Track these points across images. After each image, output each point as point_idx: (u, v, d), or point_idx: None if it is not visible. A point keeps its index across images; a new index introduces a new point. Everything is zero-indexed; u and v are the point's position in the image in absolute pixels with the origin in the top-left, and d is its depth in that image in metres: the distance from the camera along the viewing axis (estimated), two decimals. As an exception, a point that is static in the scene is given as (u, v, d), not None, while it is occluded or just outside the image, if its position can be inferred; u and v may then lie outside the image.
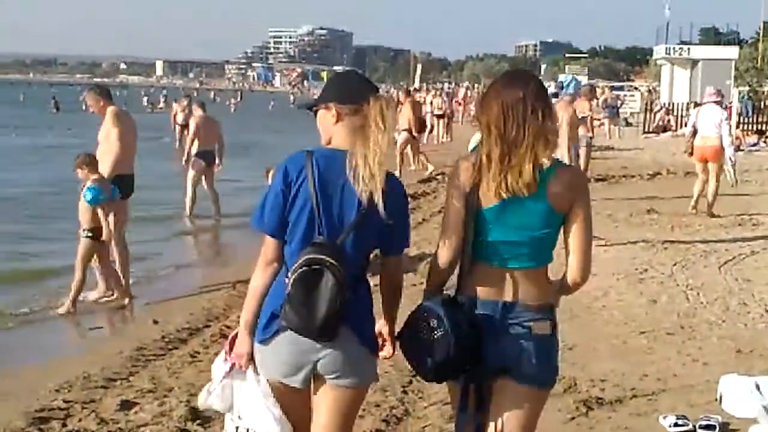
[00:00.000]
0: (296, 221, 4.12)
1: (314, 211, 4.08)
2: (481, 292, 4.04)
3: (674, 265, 12.10)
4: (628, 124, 44.23)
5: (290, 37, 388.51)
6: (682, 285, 11.03)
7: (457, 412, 4.21)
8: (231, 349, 4.37)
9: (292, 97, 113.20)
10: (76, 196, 11.25)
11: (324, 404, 4.25)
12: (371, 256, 4.30)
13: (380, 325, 4.33)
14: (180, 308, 11.00)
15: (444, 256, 4.12)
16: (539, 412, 4.20)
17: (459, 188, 4.06)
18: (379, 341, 4.33)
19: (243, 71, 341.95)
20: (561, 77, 19.11)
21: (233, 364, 4.33)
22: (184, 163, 19.26)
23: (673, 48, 51.40)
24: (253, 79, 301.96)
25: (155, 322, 10.20)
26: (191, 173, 18.57)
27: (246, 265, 13.50)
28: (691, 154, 16.78)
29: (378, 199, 4.05)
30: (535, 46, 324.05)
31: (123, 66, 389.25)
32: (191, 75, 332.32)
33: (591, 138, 19.35)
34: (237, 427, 4.36)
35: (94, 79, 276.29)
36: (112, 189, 11.04)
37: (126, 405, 7.23)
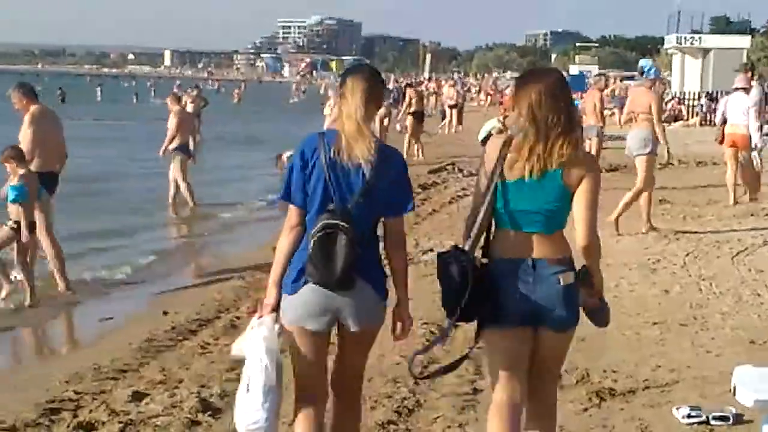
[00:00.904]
0: (313, 192, 4.86)
1: (327, 183, 4.82)
2: (508, 251, 4.78)
3: (687, 255, 12.04)
4: (639, 114, 44.06)
5: (299, 27, 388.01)
6: (694, 275, 10.97)
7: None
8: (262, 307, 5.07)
9: (293, 87, 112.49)
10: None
11: (346, 344, 5.08)
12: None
13: (395, 310, 5.05)
14: (190, 299, 11.02)
15: (471, 220, 4.83)
16: (567, 348, 5.04)
17: (487, 163, 4.80)
18: (397, 325, 5.08)
19: (252, 61, 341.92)
20: (642, 62, 18.87)
21: (260, 315, 5.03)
22: (161, 154, 19.07)
23: (684, 37, 51.16)
24: (262, 69, 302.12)
25: (165, 313, 10.20)
26: (178, 171, 18.65)
27: (253, 254, 13.61)
28: (722, 141, 16.65)
29: (370, 168, 4.80)
30: (545, 35, 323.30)
31: (131, 56, 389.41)
32: (200, 65, 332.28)
33: (602, 128, 19.31)
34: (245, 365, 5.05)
35: (103, 70, 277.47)
36: (38, 188, 11.04)
37: (137, 396, 7.20)
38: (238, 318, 9.66)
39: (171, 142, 18.72)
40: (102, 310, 11.13)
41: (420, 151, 26.38)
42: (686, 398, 6.87)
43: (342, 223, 4.72)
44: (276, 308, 4.98)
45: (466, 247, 4.79)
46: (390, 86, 45.65)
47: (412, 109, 26.66)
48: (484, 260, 4.85)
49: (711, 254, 12.15)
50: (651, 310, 9.46)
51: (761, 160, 16.93)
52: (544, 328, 4.81)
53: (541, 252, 4.74)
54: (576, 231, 4.76)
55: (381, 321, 5.03)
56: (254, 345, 4.95)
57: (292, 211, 4.94)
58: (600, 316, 5.09)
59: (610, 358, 7.86)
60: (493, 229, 4.88)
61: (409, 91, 28.08)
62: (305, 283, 4.84)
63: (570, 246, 4.85)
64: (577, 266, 4.86)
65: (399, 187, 4.94)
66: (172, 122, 18.85)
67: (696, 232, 13.59)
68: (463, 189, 18.61)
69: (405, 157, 5.70)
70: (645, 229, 13.48)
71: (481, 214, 4.77)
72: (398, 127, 28.44)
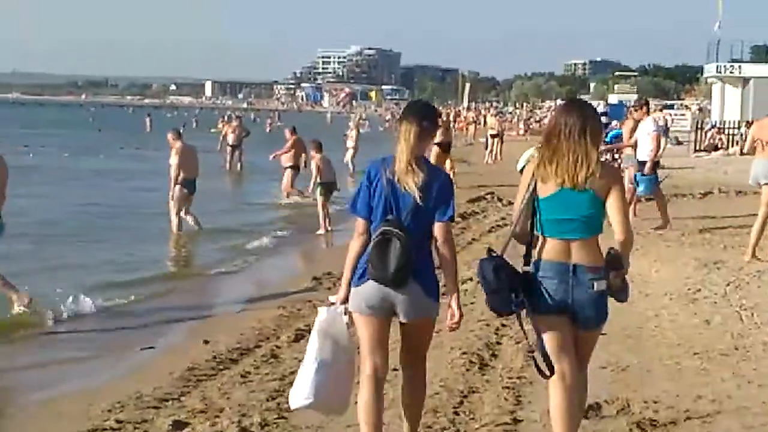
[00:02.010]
0: (376, 206, 5.96)
1: (387, 199, 5.91)
2: (549, 256, 5.68)
3: (727, 285, 11.96)
4: (679, 143, 43.90)
5: (339, 58, 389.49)
6: (735, 305, 10.90)
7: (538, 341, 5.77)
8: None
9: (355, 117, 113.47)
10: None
11: (404, 334, 6.12)
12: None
13: (449, 302, 5.97)
14: (230, 328, 11.03)
15: (517, 228, 5.82)
16: (594, 344, 6.01)
17: (524, 183, 5.79)
18: (448, 314, 5.97)
19: (292, 91, 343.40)
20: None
21: (332, 303, 6.18)
22: (171, 197, 19.22)
23: (724, 66, 51.01)
24: (302, 99, 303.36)
25: (206, 342, 10.23)
26: (174, 204, 19.00)
27: (291, 281, 13.68)
28: None
29: (418, 194, 5.85)
30: (584, 64, 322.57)
31: (173, 87, 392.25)
32: (240, 95, 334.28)
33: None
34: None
35: (145, 100, 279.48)
36: None
37: (178, 425, 7.25)
38: (278, 347, 9.70)
39: (176, 180, 19.01)
40: (143, 340, 11.19)
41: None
42: (728, 429, 6.84)
43: (397, 230, 5.80)
44: (345, 300, 6.07)
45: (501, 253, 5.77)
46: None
47: (437, 140, 26.57)
48: (527, 268, 5.75)
49: (752, 284, 12.07)
50: (692, 341, 9.40)
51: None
52: (576, 325, 5.74)
53: (580, 258, 5.65)
54: (615, 231, 5.71)
55: (430, 315, 6.04)
56: (316, 328, 6.12)
57: (359, 222, 6.04)
58: (622, 294, 5.81)
59: (651, 389, 7.82)
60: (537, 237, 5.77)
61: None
62: (367, 279, 5.89)
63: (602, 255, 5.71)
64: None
65: (443, 200, 5.94)
66: (173, 160, 19.10)
67: (737, 262, 13.50)
68: (503, 218, 18.61)
69: None
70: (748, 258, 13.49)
71: (519, 226, 5.80)
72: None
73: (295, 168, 25.73)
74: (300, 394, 6.04)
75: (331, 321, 6.09)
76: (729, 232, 16.44)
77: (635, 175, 17.18)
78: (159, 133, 65.46)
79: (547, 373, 5.70)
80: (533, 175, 5.72)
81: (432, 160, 26.06)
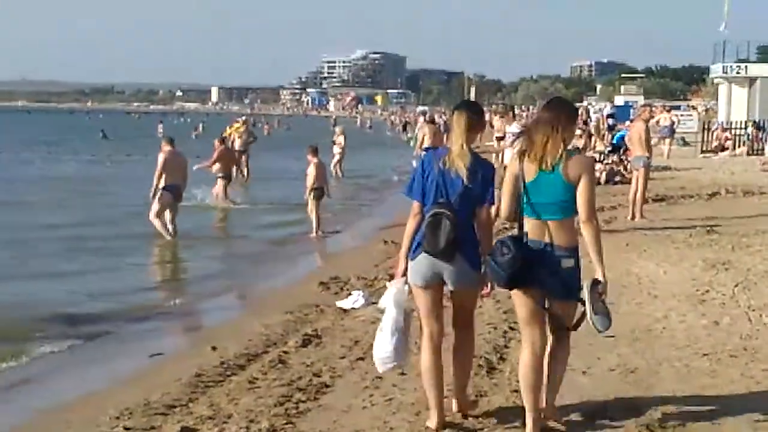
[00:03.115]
0: (429, 190, 6.90)
1: (439, 184, 6.85)
2: (531, 234, 6.50)
3: (735, 286, 11.93)
4: (686, 144, 43.86)
5: (344, 62, 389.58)
6: (744, 306, 10.87)
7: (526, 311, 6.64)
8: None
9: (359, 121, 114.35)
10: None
11: (453, 297, 7.08)
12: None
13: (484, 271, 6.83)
14: (237, 334, 11.00)
15: (503, 211, 6.73)
16: (568, 313, 6.64)
17: (510, 170, 6.69)
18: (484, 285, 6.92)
19: (297, 96, 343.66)
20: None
21: (394, 277, 7.20)
22: (151, 196, 19.41)
23: (731, 66, 50.91)
24: (307, 104, 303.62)
25: (213, 348, 10.19)
26: (156, 206, 19.09)
27: (298, 288, 13.68)
28: None
29: (467, 175, 6.77)
30: (590, 66, 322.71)
31: (179, 93, 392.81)
32: (246, 101, 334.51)
33: (648, 158, 19.22)
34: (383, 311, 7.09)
35: (151, 107, 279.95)
36: None
37: (186, 432, 7.25)
38: (286, 353, 9.67)
39: (158, 181, 19.17)
40: (151, 346, 11.20)
41: None
42: (737, 431, 6.80)
43: (446, 212, 6.70)
44: (404, 273, 6.98)
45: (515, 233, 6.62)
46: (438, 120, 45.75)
47: (426, 145, 26.74)
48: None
49: (760, 285, 12.04)
50: (700, 342, 9.38)
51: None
52: (551, 297, 6.57)
53: (552, 237, 6.45)
54: (579, 213, 6.42)
55: (474, 284, 6.92)
56: (388, 299, 7.02)
57: (415, 204, 6.96)
58: (604, 320, 6.48)
59: (660, 391, 7.80)
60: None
61: (425, 127, 27.99)
62: (420, 253, 6.82)
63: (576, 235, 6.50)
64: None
65: (484, 186, 6.85)
66: (159, 162, 19.34)
67: (745, 263, 13.47)
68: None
69: None
70: None
71: (506, 209, 6.69)
72: (413, 163, 28.39)
73: (227, 178, 26.22)
74: (385, 361, 7.06)
75: (399, 292, 6.99)
76: (736, 233, 16.39)
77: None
78: (178, 139, 65.81)
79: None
80: (519, 162, 6.58)
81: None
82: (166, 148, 19.61)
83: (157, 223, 19.07)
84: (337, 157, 35.79)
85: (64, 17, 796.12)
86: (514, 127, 18.85)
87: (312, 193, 19.55)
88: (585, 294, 6.38)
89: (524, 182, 6.49)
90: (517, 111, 25.27)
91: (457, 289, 6.94)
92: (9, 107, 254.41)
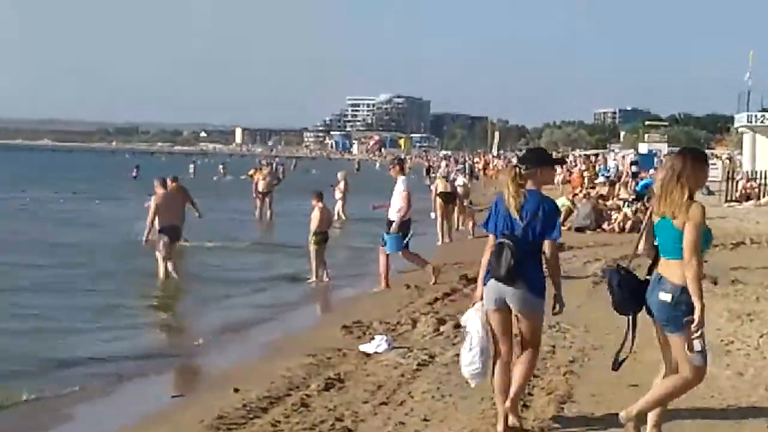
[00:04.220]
0: (498, 225, 7.95)
1: (506, 219, 7.89)
2: (657, 268, 7.35)
3: (760, 337, 11.87)
4: (710, 193, 43.70)
5: (368, 105, 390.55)
6: (769, 357, 10.81)
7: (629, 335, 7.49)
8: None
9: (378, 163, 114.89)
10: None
11: (518, 319, 7.93)
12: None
13: (552, 296, 7.94)
14: (259, 375, 10.99)
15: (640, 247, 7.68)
16: (676, 343, 7.28)
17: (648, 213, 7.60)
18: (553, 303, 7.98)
19: (321, 139, 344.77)
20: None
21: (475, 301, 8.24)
22: (144, 240, 19.65)
23: (755, 115, 50.87)
24: (331, 146, 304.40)
25: (236, 390, 10.18)
26: (159, 249, 19.24)
27: (320, 331, 13.65)
28: None
29: (519, 214, 7.83)
30: (614, 113, 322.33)
31: (203, 134, 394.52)
32: (270, 143, 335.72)
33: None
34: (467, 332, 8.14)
35: (175, 147, 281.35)
36: None
37: (208, 474, 7.24)
38: (308, 396, 9.66)
39: (151, 225, 19.33)
40: (173, 387, 11.21)
41: (449, 234, 26.79)
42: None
43: (508, 242, 7.69)
44: (481, 297, 7.99)
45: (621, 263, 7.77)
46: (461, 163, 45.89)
47: (440, 190, 27.00)
48: (648, 277, 7.44)
49: (786, 336, 11.96)
50: (724, 393, 9.33)
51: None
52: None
53: (664, 272, 7.21)
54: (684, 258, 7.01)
55: (535, 308, 7.88)
56: (471, 319, 8.05)
57: (490, 238, 8.02)
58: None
59: (684, 442, 7.75)
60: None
61: (438, 181, 28.50)
62: (489, 279, 7.83)
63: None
64: None
65: (549, 223, 7.89)
66: (151, 205, 19.50)
67: (770, 314, 13.39)
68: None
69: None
70: None
71: (640, 245, 7.68)
72: (432, 215, 28.48)
73: None
74: (475, 375, 8.08)
75: (479, 313, 7.99)
76: (761, 283, 16.31)
77: None
78: (201, 179, 66.28)
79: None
80: (652, 208, 7.46)
81: (438, 211, 26.54)
82: (159, 190, 19.79)
83: (162, 266, 19.25)
84: (340, 203, 35.89)
85: (87, 59, 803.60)
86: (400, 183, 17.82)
87: (315, 238, 19.55)
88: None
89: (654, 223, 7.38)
90: None
91: (519, 312, 7.85)
92: (34, 146, 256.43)
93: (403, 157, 19.41)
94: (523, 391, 8.32)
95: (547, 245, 7.87)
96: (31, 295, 17.34)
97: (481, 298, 8.03)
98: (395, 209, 17.44)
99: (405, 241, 17.60)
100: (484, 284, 7.96)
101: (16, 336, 13.78)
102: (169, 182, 20.72)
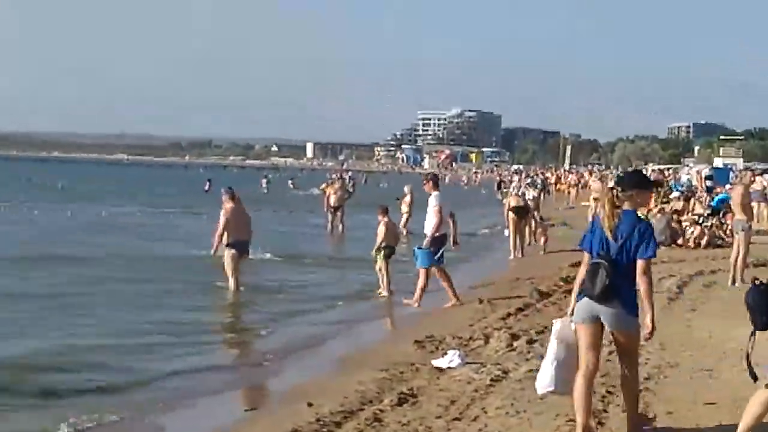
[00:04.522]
0: (594, 245, 8.11)
1: (602, 239, 8.08)
2: None
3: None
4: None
5: (439, 120, 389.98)
6: None
7: None
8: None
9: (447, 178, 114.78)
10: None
11: (614, 341, 8.19)
12: None
13: (644, 317, 7.97)
14: (332, 389, 11.02)
15: None
16: None
17: None
18: (643, 326, 8.04)
19: (392, 153, 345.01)
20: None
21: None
22: (212, 253, 19.95)
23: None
24: (402, 161, 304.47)
25: (309, 404, 10.18)
26: (228, 263, 19.47)
27: (392, 346, 13.63)
28: None
29: (612, 235, 8.03)
30: (688, 127, 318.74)
31: (275, 148, 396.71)
32: (341, 157, 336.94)
33: (749, 223, 18.92)
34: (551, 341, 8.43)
35: (247, 161, 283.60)
36: None
37: (282, 488, 7.26)
38: (381, 411, 9.65)
39: (220, 238, 19.59)
40: (246, 401, 11.27)
41: (521, 249, 26.55)
42: None
43: (603, 262, 7.91)
44: (572, 312, 8.18)
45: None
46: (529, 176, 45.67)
47: (512, 204, 26.93)
48: None
49: None
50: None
51: None
52: None
53: None
54: None
55: (629, 327, 8.05)
56: (555, 334, 8.28)
57: (585, 255, 8.23)
58: None
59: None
60: None
61: (510, 196, 28.47)
62: (583, 296, 8.03)
63: None
64: None
65: (642, 243, 8.01)
66: (221, 219, 19.72)
67: None
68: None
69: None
70: None
71: None
72: (505, 232, 28.36)
73: None
74: (544, 384, 8.29)
75: (564, 328, 8.23)
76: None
77: None
78: (273, 194, 66.78)
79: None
80: None
81: (510, 225, 26.49)
82: (228, 204, 19.94)
83: (232, 282, 19.51)
84: (405, 216, 35.77)
85: (160, 74, 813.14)
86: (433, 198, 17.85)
87: (382, 252, 19.57)
88: None
89: None
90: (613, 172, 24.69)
91: (614, 331, 8.05)
92: (109, 160, 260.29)
93: (437, 173, 19.26)
94: (637, 405, 8.46)
95: (639, 265, 8.00)
96: (106, 309, 17.52)
97: (571, 313, 8.23)
98: (429, 225, 17.55)
99: (437, 257, 17.60)
100: (577, 300, 8.15)
101: (92, 352, 13.90)
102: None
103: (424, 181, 18.49)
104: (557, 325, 8.38)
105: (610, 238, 8.03)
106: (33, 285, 20.14)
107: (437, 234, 17.55)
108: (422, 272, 17.82)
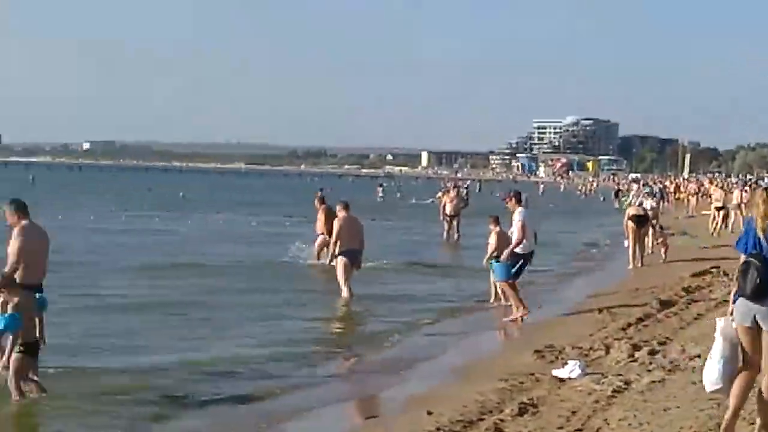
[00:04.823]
0: (748, 245, 8.23)
1: (755, 239, 8.21)
2: None
3: None
4: None
5: (555, 128, 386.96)
6: None
7: None
8: None
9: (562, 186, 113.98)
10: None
11: (763, 343, 7.99)
12: None
13: None
14: (451, 398, 11.01)
15: None
16: None
17: None
18: None
19: (507, 161, 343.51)
20: None
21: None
22: (328, 263, 20.37)
23: None
24: (517, 169, 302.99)
25: (429, 413, 10.17)
26: (340, 272, 19.71)
27: (512, 358, 13.56)
28: None
29: (765, 235, 8.15)
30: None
31: (389, 157, 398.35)
32: (455, 165, 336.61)
33: None
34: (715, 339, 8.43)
35: (362, 170, 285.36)
36: (39, 299, 11.24)
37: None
38: (502, 420, 9.61)
39: (335, 247, 19.97)
40: (366, 409, 11.33)
41: (640, 258, 26.04)
42: None
43: (754, 261, 8.03)
44: (732, 312, 8.26)
45: None
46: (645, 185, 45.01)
47: (632, 212, 26.57)
48: None
49: None
50: None
51: None
52: None
53: None
54: None
55: None
56: (718, 332, 8.32)
57: (741, 255, 8.26)
58: None
59: None
60: None
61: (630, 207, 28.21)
62: (739, 296, 8.10)
63: None
64: None
65: None
66: (335, 228, 20.20)
67: None
68: (730, 293, 17.92)
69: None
70: None
71: None
72: (625, 243, 28.01)
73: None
74: (713, 381, 8.26)
75: (727, 326, 8.26)
76: None
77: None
78: (389, 203, 67.08)
79: None
80: None
81: (630, 234, 26.13)
82: (341, 213, 20.17)
83: (345, 291, 19.71)
84: None
85: (278, 84, 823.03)
86: (517, 214, 17.66)
87: (493, 262, 19.45)
88: None
89: None
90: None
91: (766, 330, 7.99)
92: (227, 169, 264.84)
93: (520, 191, 18.94)
94: None
95: None
96: (225, 316, 17.78)
97: (731, 313, 8.26)
98: (514, 240, 17.47)
99: (513, 271, 17.47)
100: (734, 301, 8.22)
101: (222, 363, 13.94)
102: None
103: (507, 199, 18.27)
104: (720, 323, 8.41)
105: (762, 239, 8.14)
106: (160, 292, 20.64)
107: (521, 252, 17.45)
108: (505, 286, 17.75)
